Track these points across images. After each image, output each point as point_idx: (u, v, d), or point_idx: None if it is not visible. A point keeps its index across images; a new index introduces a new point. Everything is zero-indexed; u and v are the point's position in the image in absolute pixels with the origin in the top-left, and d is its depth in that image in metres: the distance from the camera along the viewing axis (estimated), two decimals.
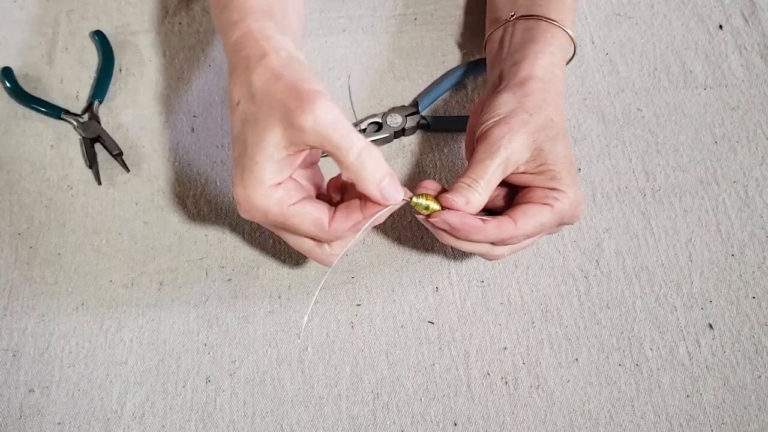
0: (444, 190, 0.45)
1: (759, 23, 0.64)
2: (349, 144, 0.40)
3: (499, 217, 0.44)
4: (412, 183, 0.56)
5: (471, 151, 0.49)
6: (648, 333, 0.51)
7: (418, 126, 0.58)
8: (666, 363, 0.50)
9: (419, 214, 0.44)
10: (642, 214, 0.55)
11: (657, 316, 0.51)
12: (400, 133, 0.58)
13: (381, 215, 0.43)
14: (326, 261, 0.46)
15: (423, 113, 0.59)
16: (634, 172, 0.57)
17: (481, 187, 0.43)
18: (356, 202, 0.43)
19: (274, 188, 0.41)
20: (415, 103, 0.59)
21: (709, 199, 0.56)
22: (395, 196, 0.41)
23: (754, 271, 0.53)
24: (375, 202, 0.41)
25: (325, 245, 0.44)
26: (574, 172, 0.46)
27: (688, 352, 0.50)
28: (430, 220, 0.44)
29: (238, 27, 0.45)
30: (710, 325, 0.51)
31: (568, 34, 0.50)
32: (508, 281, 0.53)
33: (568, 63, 0.52)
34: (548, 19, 0.50)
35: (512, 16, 0.52)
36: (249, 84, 0.42)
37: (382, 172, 0.40)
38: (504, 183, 0.46)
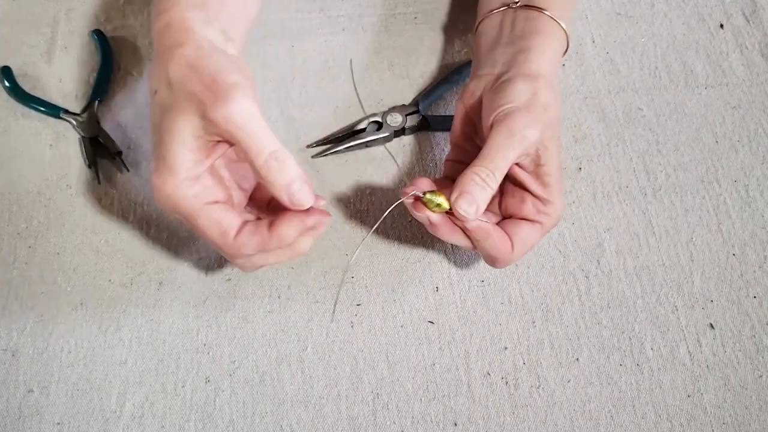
0: (437, 182, 0.44)
1: (760, 22, 0.64)
2: (259, 147, 0.39)
3: (504, 234, 0.44)
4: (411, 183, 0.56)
5: (461, 137, 0.49)
6: (649, 333, 0.51)
7: (418, 125, 0.58)
8: (667, 363, 0.50)
9: (418, 209, 0.44)
10: (643, 214, 0.55)
11: (658, 316, 0.51)
12: (400, 132, 0.58)
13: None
14: (243, 269, 0.45)
15: (423, 112, 0.58)
16: (634, 172, 0.57)
17: (496, 181, 0.42)
18: (265, 222, 0.42)
19: (191, 182, 0.40)
20: (415, 103, 0.59)
21: (710, 198, 0.56)
22: (305, 201, 0.40)
23: (755, 271, 0.53)
24: (286, 208, 0.41)
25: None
26: (562, 178, 0.46)
27: (689, 351, 0.50)
28: (431, 217, 0.43)
29: (163, 16, 0.44)
30: (711, 325, 0.51)
31: (566, 33, 0.50)
32: (509, 281, 0.53)
33: None
34: (551, 15, 0.49)
35: (516, 2, 0.51)
36: (166, 73, 0.41)
37: (291, 176, 0.40)
38: None
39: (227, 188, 0.44)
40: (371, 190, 0.56)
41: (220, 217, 0.41)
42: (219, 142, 0.41)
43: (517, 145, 0.42)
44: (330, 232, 0.54)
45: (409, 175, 0.57)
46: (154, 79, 0.43)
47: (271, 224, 0.42)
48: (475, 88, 0.48)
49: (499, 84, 0.46)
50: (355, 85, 0.60)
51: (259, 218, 0.44)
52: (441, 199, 0.43)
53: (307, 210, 0.42)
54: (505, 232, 0.45)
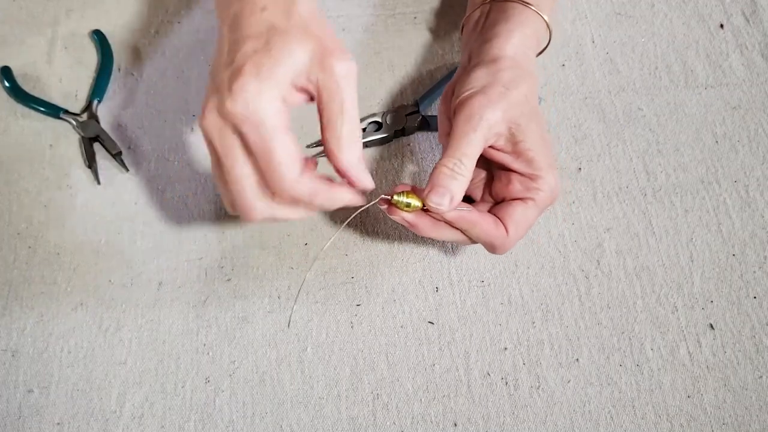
0: (417, 188, 0.44)
1: (760, 22, 0.64)
2: (351, 114, 0.39)
3: (495, 219, 0.44)
4: (411, 183, 0.56)
5: (446, 135, 0.48)
6: (649, 333, 0.51)
7: (419, 125, 0.58)
8: (667, 363, 0.50)
9: (392, 212, 0.43)
10: (643, 214, 0.55)
11: (658, 316, 0.51)
12: (400, 132, 0.58)
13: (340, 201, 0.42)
14: (250, 212, 0.41)
15: (423, 112, 0.58)
16: (634, 172, 0.57)
17: (465, 167, 0.42)
18: (323, 174, 0.41)
19: (281, 101, 0.39)
20: (415, 103, 0.59)
21: (710, 198, 0.56)
22: (368, 182, 0.41)
23: (755, 271, 0.53)
24: (344, 176, 0.41)
25: (268, 196, 0.41)
26: (551, 154, 0.45)
27: (689, 352, 0.50)
28: (405, 216, 0.43)
29: None
30: (711, 326, 0.51)
31: (544, 20, 0.49)
32: (509, 281, 0.53)
33: (543, 51, 0.51)
34: (524, 2, 0.49)
35: None
36: (289, 3, 0.40)
37: (361, 153, 0.41)
38: (481, 164, 0.46)
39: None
40: (371, 190, 0.56)
41: (295, 147, 0.40)
42: (303, 91, 0.40)
43: (477, 127, 0.42)
44: (330, 232, 0.54)
45: (410, 174, 0.57)
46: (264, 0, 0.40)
47: (329, 181, 0.42)
48: (448, 87, 0.48)
49: (463, 75, 0.46)
50: None
51: None
52: (410, 199, 0.42)
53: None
54: (498, 217, 0.44)
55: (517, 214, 0.44)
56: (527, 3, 0.49)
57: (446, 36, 0.64)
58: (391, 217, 0.44)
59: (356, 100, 0.40)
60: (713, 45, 0.63)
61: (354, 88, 0.39)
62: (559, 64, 0.62)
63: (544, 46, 0.51)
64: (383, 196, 0.43)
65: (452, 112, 0.45)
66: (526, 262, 0.53)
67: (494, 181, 0.47)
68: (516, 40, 0.47)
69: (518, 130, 0.44)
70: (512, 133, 0.44)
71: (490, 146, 0.44)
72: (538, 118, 0.45)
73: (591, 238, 0.54)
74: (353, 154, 0.40)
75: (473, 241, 0.45)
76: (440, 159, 0.43)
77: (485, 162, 0.47)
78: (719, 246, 0.54)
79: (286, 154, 0.39)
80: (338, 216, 0.55)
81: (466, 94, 0.44)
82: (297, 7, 0.40)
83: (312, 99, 0.40)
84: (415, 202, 0.42)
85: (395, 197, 0.43)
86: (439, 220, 0.43)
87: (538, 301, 0.52)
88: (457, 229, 0.44)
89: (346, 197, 0.42)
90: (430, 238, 0.54)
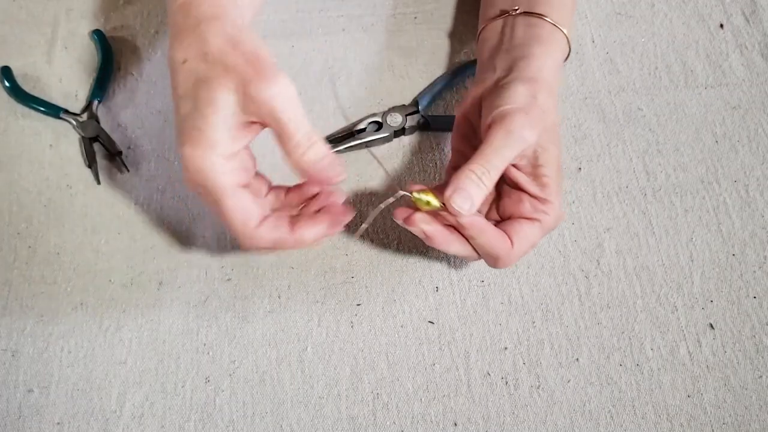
0: (438, 188, 0.44)
1: (760, 22, 0.64)
2: (296, 127, 0.40)
3: (501, 231, 0.44)
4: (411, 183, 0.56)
5: (461, 142, 0.49)
6: (649, 333, 0.51)
7: (419, 125, 0.58)
8: (667, 363, 0.50)
9: (410, 223, 0.43)
10: (643, 214, 0.55)
11: (658, 316, 0.51)
12: (400, 132, 0.58)
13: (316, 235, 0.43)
14: (245, 249, 0.44)
15: (423, 112, 0.58)
16: (634, 172, 0.57)
17: (491, 179, 0.42)
18: (285, 218, 0.43)
19: (226, 160, 0.40)
20: (415, 103, 0.59)
21: (710, 198, 0.56)
22: (335, 175, 0.42)
23: (755, 271, 0.53)
24: (315, 182, 0.42)
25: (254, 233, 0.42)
26: (560, 181, 0.46)
27: (689, 351, 0.50)
28: (425, 228, 0.43)
29: None
30: (711, 325, 0.51)
31: (566, 37, 0.50)
32: (509, 281, 0.53)
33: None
34: (551, 21, 0.49)
35: (516, 9, 0.51)
36: (202, 43, 0.40)
37: (323, 152, 0.41)
38: None
39: (247, 171, 0.43)
40: (371, 190, 0.56)
41: (247, 203, 0.41)
42: (252, 123, 0.41)
43: (514, 144, 0.42)
44: None
45: (410, 175, 0.57)
46: (181, 49, 0.41)
47: (292, 223, 0.42)
48: (474, 93, 0.48)
49: (499, 87, 0.46)
50: (336, 94, 0.60)
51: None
52: (430, 197, 0.43)
53: (330, 211, 0.43)
54: (504, 231, 0.45)
55: (523, 230, 0.45)
56: (555, 23, 0.49)
57: (446, 36, 0.64)
58: (408, 228, 0.44)
59: (298, 110, 0.40)
60: (713, 45, 0.63)
61: (288, 101, 0.39)
62: None
63: (565, 58, 0.52)
64: (402, 192, 0.43)
65: (488, 121, 0.44)
66: (526, 262, 0.53)
67: (503, 197, 0.47)
68: (549, 63, 0.47)
69: (542, 154, 0.44)
70: (536, 156, 0.44)
71: (512, 164, 0.45)
72: (558, 144, 0.46)
73: (591, 238, 0.54)
74: (313, 156, 0.41)
75: (479, 256, 0.46)
76: (468, 163, 0.42)
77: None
78: (719, 246, 0.54)
79: (238, 210, 0.41)
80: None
81: (508, 108, 0.44)
82: (209, 46, 0.40)
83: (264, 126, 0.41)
84: (435, 201, 0.43)
85: (415, 194, 0.43)
86: (452, 227, 0.44)
87: (538, 301, 0.52)
88: (466, 237, 0.44)
89: (312, 234, 0.43)
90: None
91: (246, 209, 0.41)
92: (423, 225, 0.43)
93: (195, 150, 0.39)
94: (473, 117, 0.48)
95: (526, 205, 0.45)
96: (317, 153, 0.41)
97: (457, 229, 0.44)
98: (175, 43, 0.42)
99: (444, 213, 0.43)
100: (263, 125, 0.41)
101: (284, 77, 0.39)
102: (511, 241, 0.44)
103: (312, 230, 0.43)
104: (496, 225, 0.46)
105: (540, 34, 0.49)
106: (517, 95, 0.44)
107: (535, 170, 0.45)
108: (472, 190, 0.42)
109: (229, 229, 0.42)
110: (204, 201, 0.42)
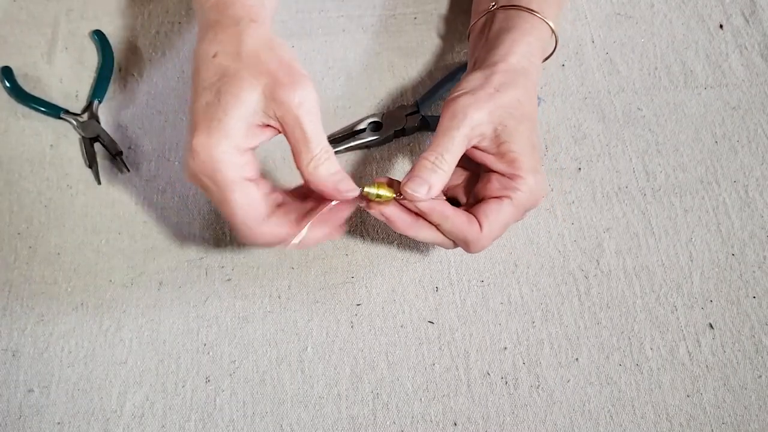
0: (394, 180, 0.44)
1: (759, 23, 0.64)
2: (316, 139, 0.40)
3: (469, 215, 0.44)
4: None
5: None
6: (648, 333, 0.51)
7: (419, 126, 0.58)
8: (666, 363, 0.50)
9: (370, 207, 0.44)
10: (642, 214, 0.55)
11: (657, 316, 0.51)
12: (400, 132, 0.58)
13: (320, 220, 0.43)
14: (244, 241, 0.44)
15: (423, 113, 0.58)
16: (634, 172, 0.57)
17: (446, 162, 0.43)
18: (291, 216, 0.43)
19: (239, 152, 0.40)
20: (415, 103, 0.59)
21: (709, 198, 0.56)
22: (350, 190, 0.42)
23: (754, 271, 0.53)
24: (327, 198, 0.42)
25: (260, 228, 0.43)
26: (537, 157, 0.45)
27: (688, 351, 0.50)
28: (382, 210, 0.43)
29: None
30: (710, 325, 0.51)
31: (550, 27, 0.50)
32: (508, 281, 0.53)
33: (549, 56, 0.52)
34: (529, 9, 0.49)
35: (493, 5, 0.51)
36: (237, 42, 0.41)
37: (337, 168, 0.42)
38: (463, 164, 0.46)
39: (257, 175, 0.44)
40: (356, 195, 0.56)
41: (255, 197, 0.41)
42: (267, 126, 0.41)
43: (460, 125, 0.43)
44: None
45: None
46: (214, 43, 0.42)
47: (298, 222, 0.43)
48: (453, 92, 0.49)
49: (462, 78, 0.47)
50: (336, 94, 0.60)
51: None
52: (382, 191, 0.43)
53: (334, 212, 0.44)
54: (473, 214, 0.44)
55: (490, 211, 0.44)
56: (532, 10, 0.49)
57: (446, 37, 0.64)
58: (369, 211, 0.44)
59: (320, 123, 0.41)
60: (713, 45, 0.63)
61: (313, 112, 0.40)
62: (559, 65, 0.62)
63: (550, 52, 0.52)
64: (350, 193, 0.44)
65: (441, 110, 0.45)
66: (526, 262, 0.53)
67: (477, 183, 0.47)
68: (520, 48, 0.47)
69: (504, 131, 0.44)
70: (498, 134, 0.44)
71: (474, 146, 0.45)
72: (530, 123, 0.45)
73: (590, 238, 0.54)
74: (326, 171, 0.41)
75: (453, 243, 0.45)
76: (423, 152, 0.44)
77: (471, 164, 0.47)
78: (718, 246, 0.54)
79: (244, 203, 0.41)
80: None
81: (455, 94, 0.45)
82: (245, 46, 0.41)
83: (279, 131, 0.42)
84: (386, 194, 0.43)
85: (365, 189, 0.43)
86: (415, 214, 0.44)
87: (537, 301, 0.52)
88: (432, 223, 0.44)
89: (315, 235, 0.44)
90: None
91: (254, 203, 0.41)
92: (382, 208, 0.43)
93: (209, 138, 0.39)
94: None
95: (495, 184, 0.45)
96: (329, 168, 0.41)
97: (420, 215, 0.44)
98: (207, 36, 0.43)
99: (406, 201, 0.43)
100: (278, 131, 0.42)
101: (313, 89, 0.40)
102: (480, 224, 0.44)
103: (315, 231, 0.44)
104: (468, 208, 0.46)
105: (513, 25, 0.49)
106: (468, 82, 0.45)
107: (499, 148, 0.44)
108: (426, 176, 0.42)
109: (231, 221, 0.42)
110: (207, 192, 0.42)
